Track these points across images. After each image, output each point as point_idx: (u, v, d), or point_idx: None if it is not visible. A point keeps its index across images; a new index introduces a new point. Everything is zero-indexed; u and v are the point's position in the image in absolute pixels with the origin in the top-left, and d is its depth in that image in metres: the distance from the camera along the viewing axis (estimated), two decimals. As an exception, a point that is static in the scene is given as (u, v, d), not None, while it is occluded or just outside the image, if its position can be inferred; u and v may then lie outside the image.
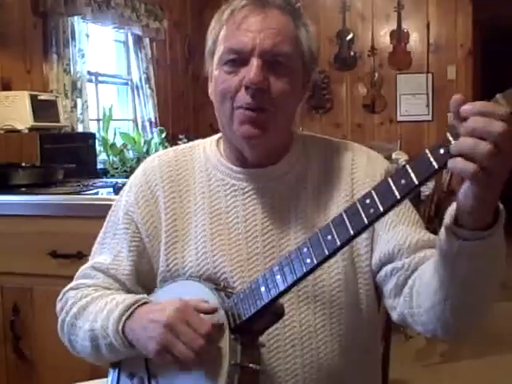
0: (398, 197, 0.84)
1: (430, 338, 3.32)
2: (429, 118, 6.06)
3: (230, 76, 1.11)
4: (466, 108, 0.79)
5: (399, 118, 6.16)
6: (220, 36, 1.15)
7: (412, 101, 6.10)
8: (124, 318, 1.10)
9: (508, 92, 0.78)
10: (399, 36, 6.10)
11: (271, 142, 1.16)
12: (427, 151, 0.81)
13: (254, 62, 1.09)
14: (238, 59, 1.11)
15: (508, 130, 0.77)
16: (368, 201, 0.87)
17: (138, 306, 1.12)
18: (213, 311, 1.04)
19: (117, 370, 1.22)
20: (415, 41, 6.09)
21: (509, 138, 0.77)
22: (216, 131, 1.26)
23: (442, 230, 0.91)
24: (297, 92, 1.16)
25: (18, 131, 3.30)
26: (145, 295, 1.17)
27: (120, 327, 1.10)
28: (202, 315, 1.04)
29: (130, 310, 1.11)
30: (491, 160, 0.77)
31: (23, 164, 2.87)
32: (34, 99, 3.39)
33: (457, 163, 0.79)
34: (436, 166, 0.81)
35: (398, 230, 1.14)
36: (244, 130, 1.11)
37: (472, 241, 0.87)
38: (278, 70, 1.11)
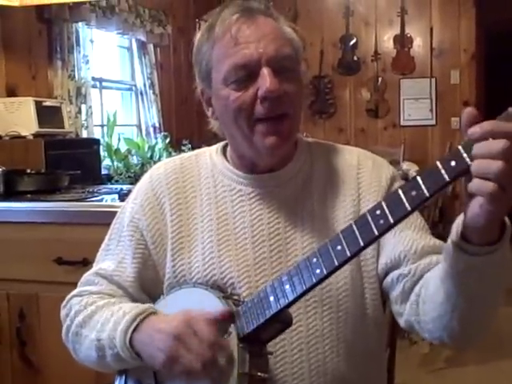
0: (409, 208, 0.84)
1: (434, 344, 3.33)
2: (432, 122, 6.06)
3: (241, 92, 1.10)
4: (474, 131, 0.80)
5: (403, 123, 6.16)
6: (214, 55, 1.14)
7: (415, 105, 6.10)
8: (131, 330, 1.10)
9: None
10: (402, 41, 6.10)
11: (289, 147, 1.18)
12: (438, 163, 0.82)
13: (265, 71, 1.09)
14: (245, 74, 1.10)
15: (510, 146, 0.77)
16: (378, 212, 0.87)
17: (146, 317, 1.11)
18: (229, 316, 1.04)
19: (123, 377, 1.21)
20: (418, 45, 6.09)
21: None
22: (219, 137, 1.27)
23: (449, 244, 0.91)
24: (302, 93, 1.18)
25: (23, 137, 3.30)
26: (151, 305, 1.16)
27: (127, 339, 1.10)
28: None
29: (137, 320, 1.11)
30: (505, 177, 0.77)
31: (28, 170, 2.86)
32: (38, 105, 3.39)
33: (475, 184, 0.79)
34: (447, 179, 0.81)
35: (404, 235, 1.14)
36: (271, 141, 1.11)
37: (480, 256, 0.87)
38: (286, 74, 1.12)
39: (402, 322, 1.13)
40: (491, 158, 0.78)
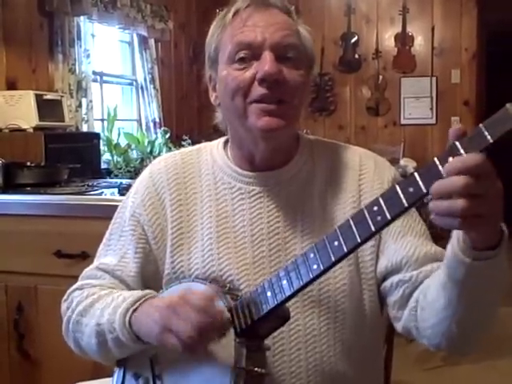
0: (406, 205, 0.84)
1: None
2: (432, 121, 6.06)
3: (241, 72, 1.12)
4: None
5: (403, 121, 6.16)
6: (223, 39, 1.15)
7: (416, 104, 6.10)
8: (130, 312, 1.10)
9: None
10: (404, 39, 6.09)
11: (286, 135, 1.17)
12: (436, 160, 0.82)
13: (267, 55, 1.10)
14: (248, 54, 1.11)
15: (471, 181, 0.77)
16: (375, 208, 0.87)
17: (145, 301, 1.11)
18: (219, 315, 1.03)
19: (122, 370, 1.21)
20: (420, 44, 6.09)
21: (479, 185, 0.78)
22: (220, 132, 1.27)
23: (450, 250, 0.92)
24: (307, 85, 1.18)
25: (23, 130, 3.30)
26: (151, 291, 1.16)
27: (127, 320, 1.10)
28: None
29: (137, 304, 1.11)
30: (472, 210, 0.78)
31: (28, 163, 2.87)
32: (39, 98, 3.39)
33: (442, 220, 0.81)
34: (445, 175, 0.81)
35: (406, 240, 1.14)
36: (263, 122, 1.10)
37: (481, 260, 0.88)
38: (289, 62, 1.13)
39: (399, 327, 1.13)
40: (455, 195, 0.78)
